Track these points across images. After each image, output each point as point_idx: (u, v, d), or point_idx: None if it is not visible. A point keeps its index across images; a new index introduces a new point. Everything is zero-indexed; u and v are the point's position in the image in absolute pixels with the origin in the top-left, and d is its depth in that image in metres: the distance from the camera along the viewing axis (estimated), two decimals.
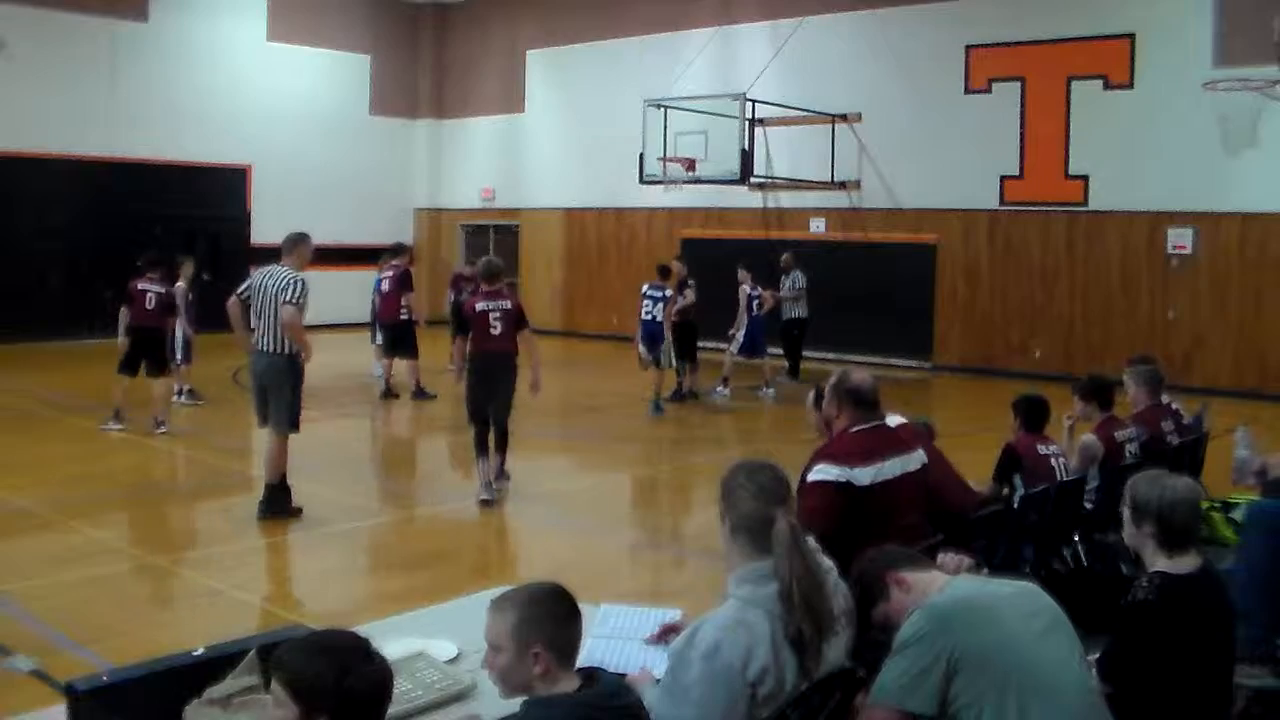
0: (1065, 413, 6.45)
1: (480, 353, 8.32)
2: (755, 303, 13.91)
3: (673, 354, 12.85)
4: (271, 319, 7.49)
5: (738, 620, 2.58)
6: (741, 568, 2.69)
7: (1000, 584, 2.90)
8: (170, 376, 11.27)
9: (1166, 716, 3.13)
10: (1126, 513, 3.33)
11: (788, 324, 15.31)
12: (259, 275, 7.74)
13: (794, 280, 15.24)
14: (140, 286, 10.93)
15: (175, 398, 12.16)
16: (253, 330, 7.67)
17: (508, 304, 8.46)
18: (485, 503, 8.30)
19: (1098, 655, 3.17)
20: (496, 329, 8.30)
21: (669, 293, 12.89)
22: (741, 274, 14.04)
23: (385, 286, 13.47)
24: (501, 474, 8.65)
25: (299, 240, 7.85)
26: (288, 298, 7.44)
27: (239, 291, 7.78)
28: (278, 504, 7.78)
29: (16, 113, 17.89)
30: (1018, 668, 2.64)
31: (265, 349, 7.58)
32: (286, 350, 7.57)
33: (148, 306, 10.88)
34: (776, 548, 2.63)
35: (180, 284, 12.07)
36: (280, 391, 7.61)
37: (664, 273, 13.16)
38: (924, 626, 2.71)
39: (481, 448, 8.40)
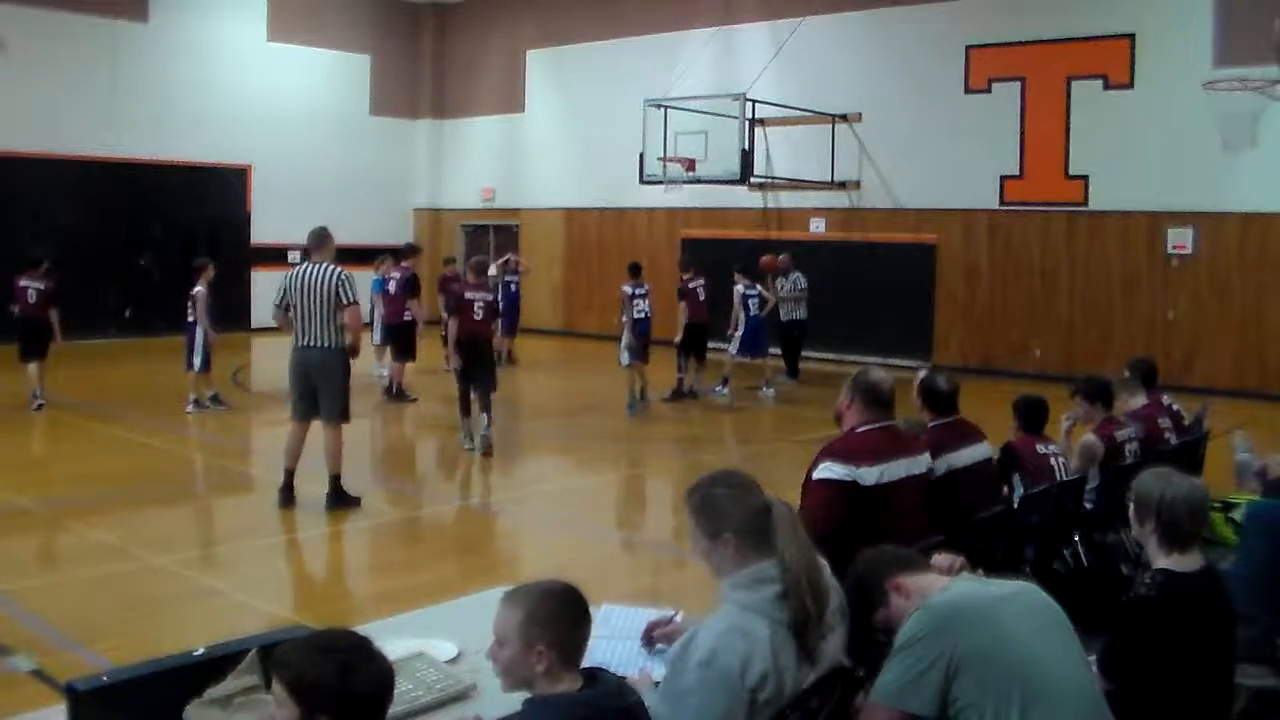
0: (1064, 413, 6.45)
1: (466, 333, 10.05)
2: (752, 302, 13.91)
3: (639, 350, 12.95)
4: (326, 315, 7.68)
5: (735, 627, 2.58)
6: (735, 573, 2.68)
7: (1000, 584, 2.90)
8: (45, 360, 12.16)
9: (1167, 714, 3.13)
10: (1131, 508, 3.34)
11: (787, 325, 15.33)
12: (296, 275, 7.81)
13: (794, 282, 15.26)
14: (22, 284, 12.15)
15: (194, 406, 12.14)
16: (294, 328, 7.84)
17: (489, 295, 10.36)
18: (469, 450, 10.13)
19: (1099, 652, 3.18)
20: (479, 315, 10.07)
21: (649, 287, 13.33)
22: (736, 275, 14.04)
23: (392, 289, 13.43)
24: (488, 427, 10.13)
25: (329, 234, 8.03)
26: (351, 298, 7.72)
27: (278, 302, 7.88)
28: (344, 495, 8.00)
29: (16, 113, 17.88)
30: (1020, 670, 2.64)
31: (318, 344, 7.76)
32: (340, 344, 7.79)
33: (29, 300, 12.10)
34: (779, 529, 2.65)
35: (200, 287, 12.10)
36: (333, 385, 7.86)
37: (636, 270, 13.45)
38: (924, 627, 2.71)
39: (465, 409, 10.20)
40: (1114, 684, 3.14)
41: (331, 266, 7.78)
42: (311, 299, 7.67)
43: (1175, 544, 3.23)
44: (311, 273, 7.72)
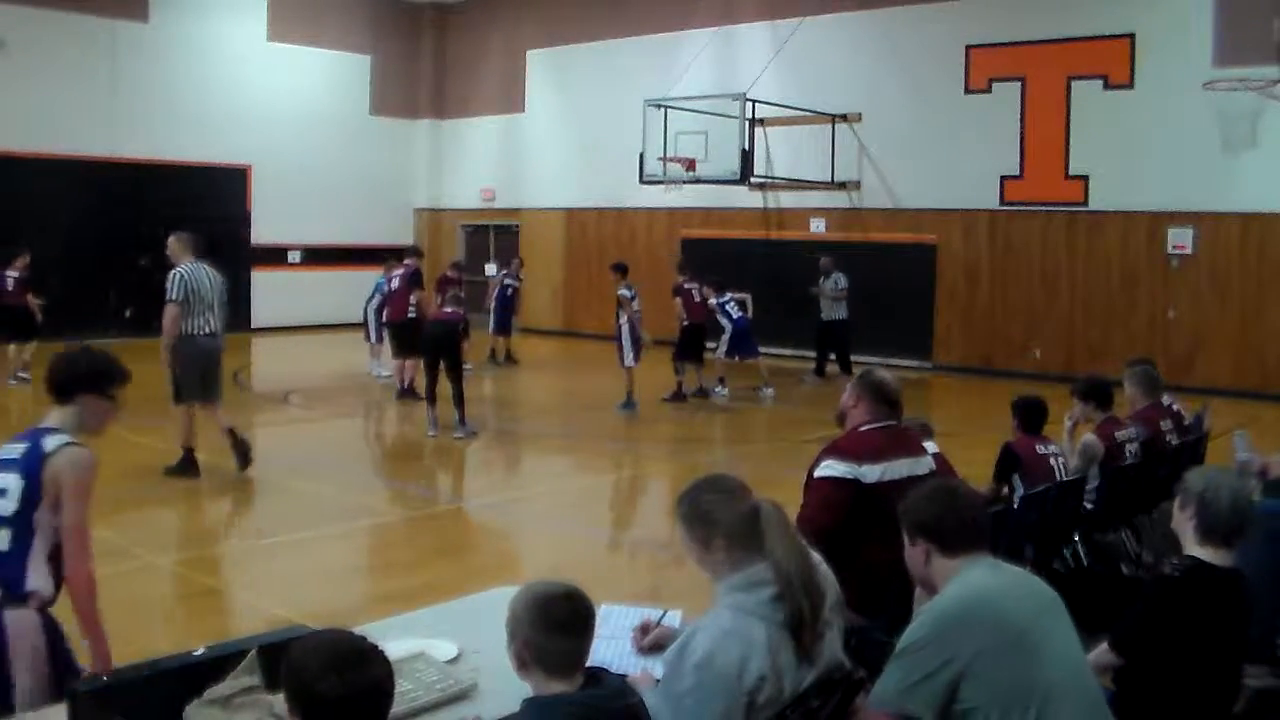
0: (1066, 413, 6.45)
1: (433, 319, 11.20)
2: (730, 307, 13.85)
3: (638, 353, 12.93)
4: (217, 308, 8.84)
5: (731, 629, 2.58)
6: (730, 576, 2.68)
7: (1005, 578, 2.85)
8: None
9: (1171, 700, 3.16)
10: (1177, 498, 3.40)
11: (829, 324, 15.49)
12: (192, 274, 8.71)
13: (835, 282, 15.38)
14: (3, 273, 13.89)
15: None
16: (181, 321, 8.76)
17: (460, 309, 11.33)
18: (433, 437, 10.87)
19: (1113, 627, 3.21)
20: (446, 309, 11.18)
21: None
22: (706, 290, 13.91)
23: (395, 285, 13.45)
24: (464, 424, 10.85)
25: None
26: (226, 297, 9.07)
27: (180, 298, 8.67)
28: (195, 465, 8.94)
29: (17, 113, 17.87)
30: (1028, 673, 2.64)
31: (217, 332, 8.89)
32: (222, 332, 8.98)
33: (7, 288, 13.88)
34: (768, 531, 2.65)
35: None
36: (221, 368, 9.09)
37: (625, 270, 13.46)
38: (932, 632, 2.71)
39: (431, 398, 10.91)
40: (1124, 659, 3.16)
41: (209, 266, 8.89)
42: (209, 294, 8.76)
43: (1211, 537, 3.27)
44: (203, 272, 8.78)
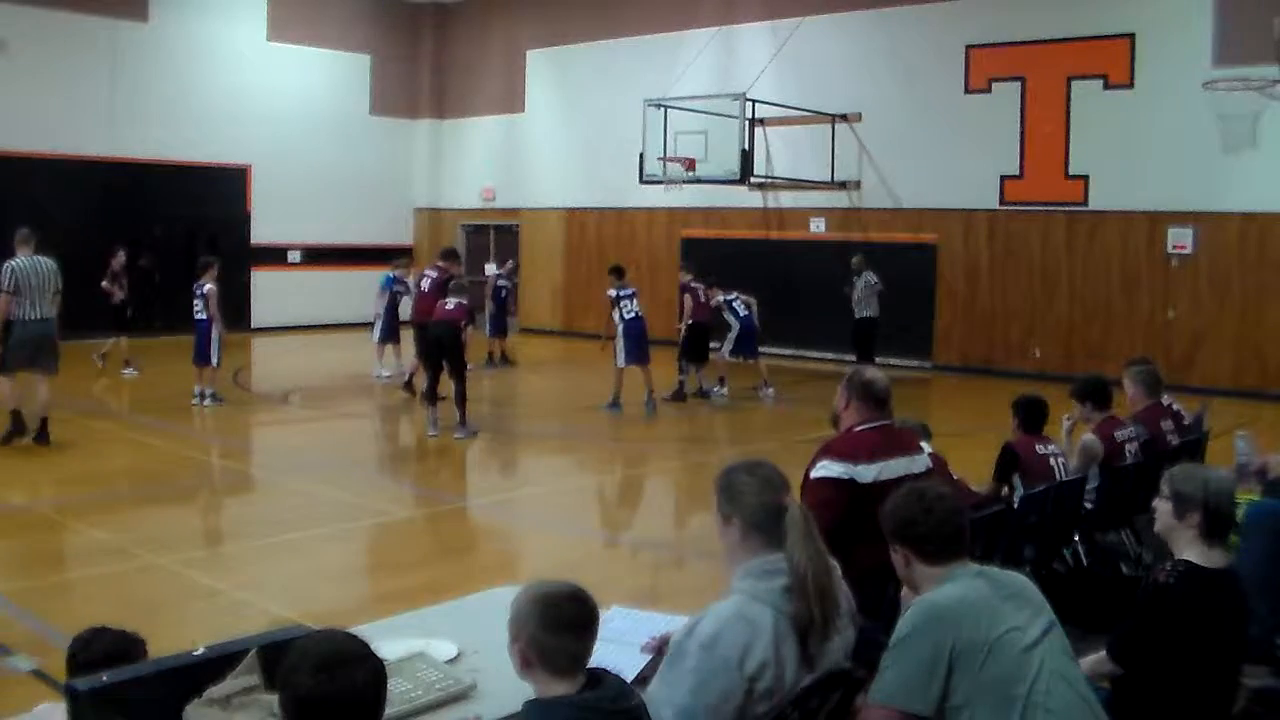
0: (1065, 413, 6.45)
1: (434, 321, 11.05)
2: (737, 305, 13.85)
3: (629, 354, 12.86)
4: (48, 295, 9.76)
5: (739, 614, 2.60)
6: (747, 562, 2.70)
7: (990, 585, 2.82)
8: None
9: (1170, 704, 3.15)
10: (1167, 504, 3.35)
11: (859, 322, 15.47)
12: (23, 266, 9.66)
13: (866, 280, 15.41)
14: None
15: (212, 399, 12.25)
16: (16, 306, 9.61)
17: (463, 298, 11.30)
18: (433, 437, 10.89)
19: (1111, 635, 3.20)
20: (449, 305, 11.10)
21: (635, 288, 13.29)
22: (710, 291, 13.87)
23: (425, 286, 13.39)
24: (464, 424, 10.85)
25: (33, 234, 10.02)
26: (60, 285, 9.90)
27: (8, 289, 9.56)
28: (48, 435, 9.80)
29: (17, 113, 17.86)
30: (1010, 679, 2.63)
31: (47, 317, 9.83)
32: (53, 315, 9.86)
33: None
34: (790, 533, 2.66)
35: (211, 285, 12.24)
36: (57, 346, 9.98)
37: (620, 272, 13.40)
38: (920, 624, 2.71)
39: (432, 398, 10.99)
40: (1122, 668, 3.15)
41: (45, 258, 9.82)
42: (41, 283, 9.73)
43: (1214, 536, 3.27)
44: (34, 263, 9.76)
